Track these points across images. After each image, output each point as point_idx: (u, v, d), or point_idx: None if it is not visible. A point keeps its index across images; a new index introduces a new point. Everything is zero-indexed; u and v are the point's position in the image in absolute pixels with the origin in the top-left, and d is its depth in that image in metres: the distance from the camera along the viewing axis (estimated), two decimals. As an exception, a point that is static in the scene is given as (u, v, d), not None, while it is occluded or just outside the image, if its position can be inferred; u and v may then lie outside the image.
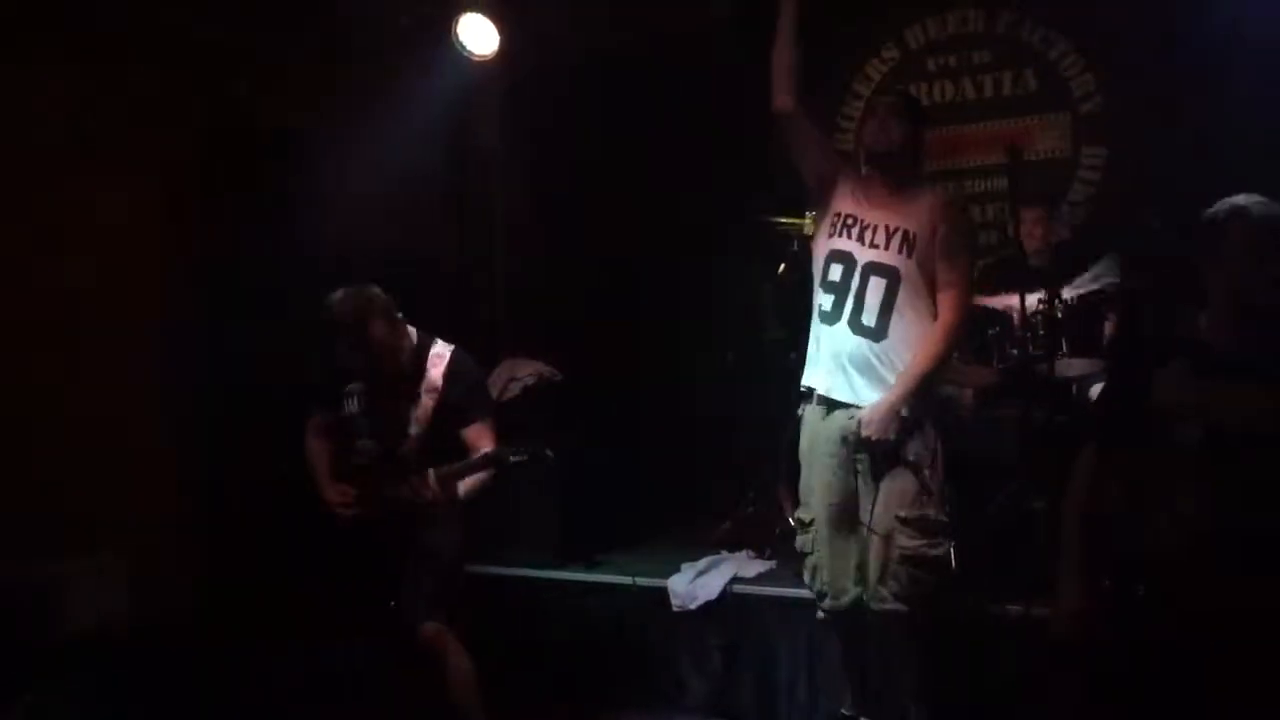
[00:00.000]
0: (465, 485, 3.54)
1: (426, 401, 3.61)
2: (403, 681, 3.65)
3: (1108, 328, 4.25)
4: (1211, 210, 2.60)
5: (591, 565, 4.54)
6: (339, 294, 3.60)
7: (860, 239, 3.42)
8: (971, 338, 4.31)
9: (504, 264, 5.87)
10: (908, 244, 3.35)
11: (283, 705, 3.98)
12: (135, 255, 4.64)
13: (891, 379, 3.33)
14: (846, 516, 3.42)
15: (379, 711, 3.70)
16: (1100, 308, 4.25)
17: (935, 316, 3.38)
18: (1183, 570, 2.50)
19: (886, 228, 3.38)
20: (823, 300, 3.48)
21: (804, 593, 3.89)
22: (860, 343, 3.36)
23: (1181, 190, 2.64)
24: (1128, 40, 5.22)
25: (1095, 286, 4.25)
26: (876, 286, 3.36)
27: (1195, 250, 2.60)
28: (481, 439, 3.60)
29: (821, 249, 3.53)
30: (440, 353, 3.69)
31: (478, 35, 4.96)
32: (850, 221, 3.44)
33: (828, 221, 3.53)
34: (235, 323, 4.76)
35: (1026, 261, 4.43)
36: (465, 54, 4.99)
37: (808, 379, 3.53)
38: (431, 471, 3.45)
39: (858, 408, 3.36)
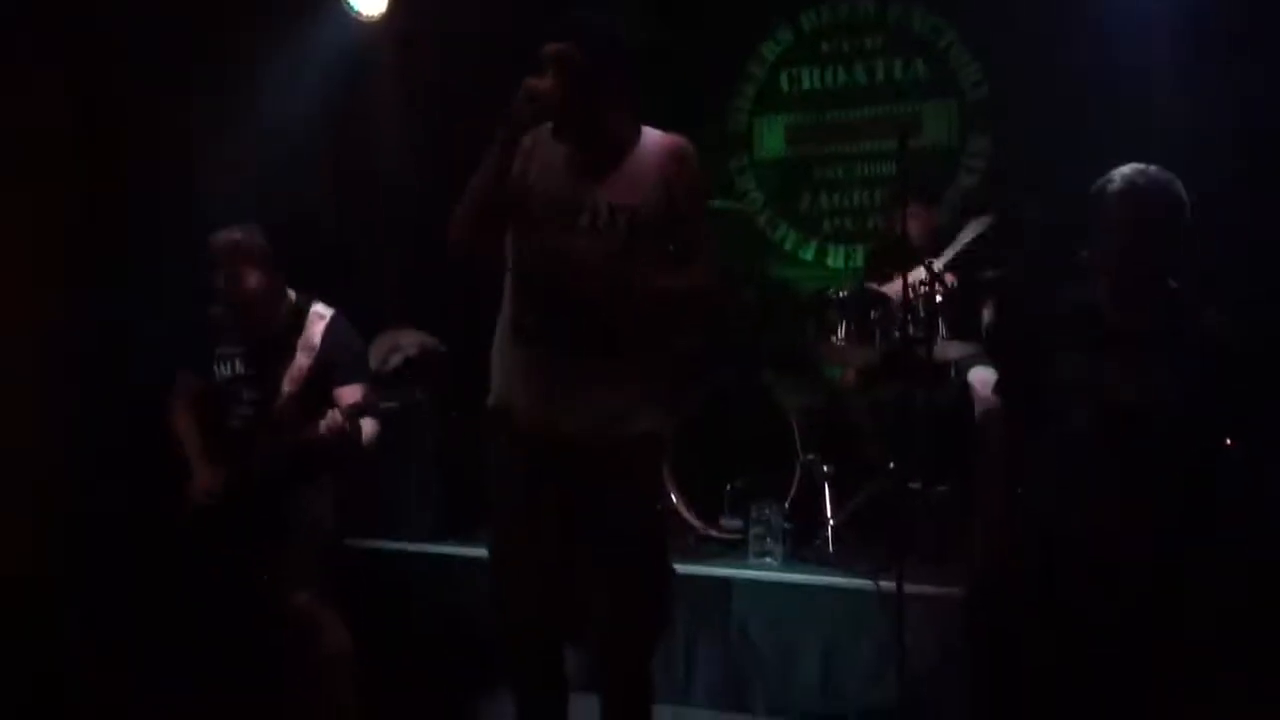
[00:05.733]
0: (366, 430, 3.46)
1: (302, 360, 3.52)
2: (275, 656, 3.55)
3: (985, 313, 4.33)
4: (1099, 181, 2.66)
5: (472, 540, 4.48)
6: (220, 233, 3.50)
7: (570, 224, 2.60)
8: (854, 319, 4.36)
9: (388, 231, 5.74)
10: (634, 221, 2.61)
11: (150, 683, 3.84)
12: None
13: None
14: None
15: (249, 688, 3.59)
16: (977, 293, 4.33)
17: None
18: (1086, 541, 2.60)
19: (611, 206, 2.60)
20: (523, 314, 2.68)
21: (685, 568, 3.92)
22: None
23: (1065, 178, 2.73)
24: (1014, 30, 5.30)
25: (961, 246, 4.32)
26: None
27: (1084, 221, 2.67)
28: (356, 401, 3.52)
29: (518, 248, 2.68)
30: (320, 312, 3.61)
31: (366, -8, 4.84)
32: (554, 204, 2.62)
33: (524, 207, 2.64)
34: (104, 288, 4.58)
35: (909, 246, 4.48)
36: (353, 13, 4.87)
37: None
38: (337, 409, 3.37)
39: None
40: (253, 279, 3.50)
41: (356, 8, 4.85)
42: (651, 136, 2.70)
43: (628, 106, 2.68)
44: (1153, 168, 2.63)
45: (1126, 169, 2.64)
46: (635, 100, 2.69)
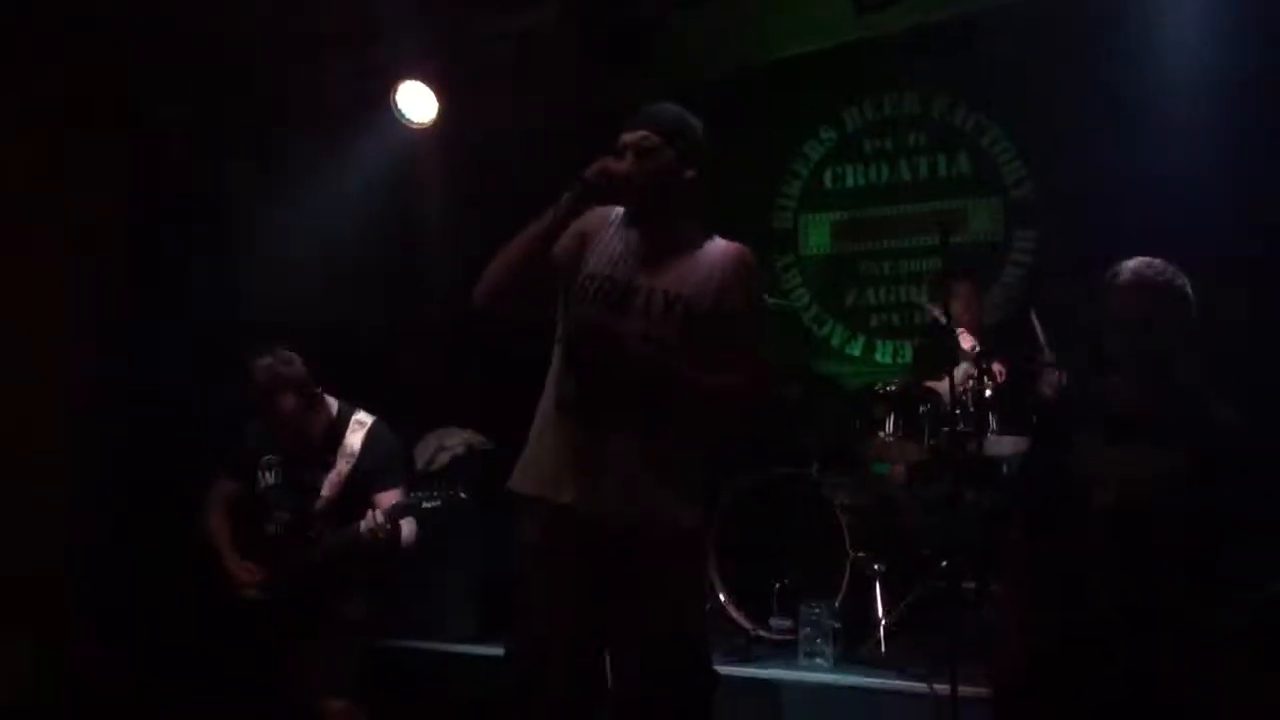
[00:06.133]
0: (406, 531, 3.48)
1: (341, 466, 3.58)
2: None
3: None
4: (1107, 273, 2.71)
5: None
6: (257, 361, 3.59)
7: (623, 307, 2.60)
8: (902, 414, 4.32)
9: (440, 332, 5.81)
10: (688, 313, 2.59)
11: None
12: (59, 318, 4.57)
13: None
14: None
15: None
16: (1029, 384, 4.28)
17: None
18: (1104, 633, 2.58)
19: (666, 294, 2.60)
20: (566, 388, 2.63)
21: (734, 670, 3.86)
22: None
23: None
24: (1058, 126, 5.33)
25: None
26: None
27: (1095, 314, 2.70)
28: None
29: (570, 321, 2.67)
30: (361, 420, 3.67)
31: (417, 103, 4.99)
32: (608, 285, 2.63)
33: (578, 286, 2.66)
34: (159, 388, 4.69)
35: (957, 340, 4.46)
36: (404, 122, 5.01)
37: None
38: (377, 510, 3.41)
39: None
40: (288, 404, 3.58)
41: (407, 116, 4.99)
42: (717, 243, 2.71)
43: (698, 208, 2.72)
44: (1157, 261, 2.67)
45: (1132, 262, 2.69)
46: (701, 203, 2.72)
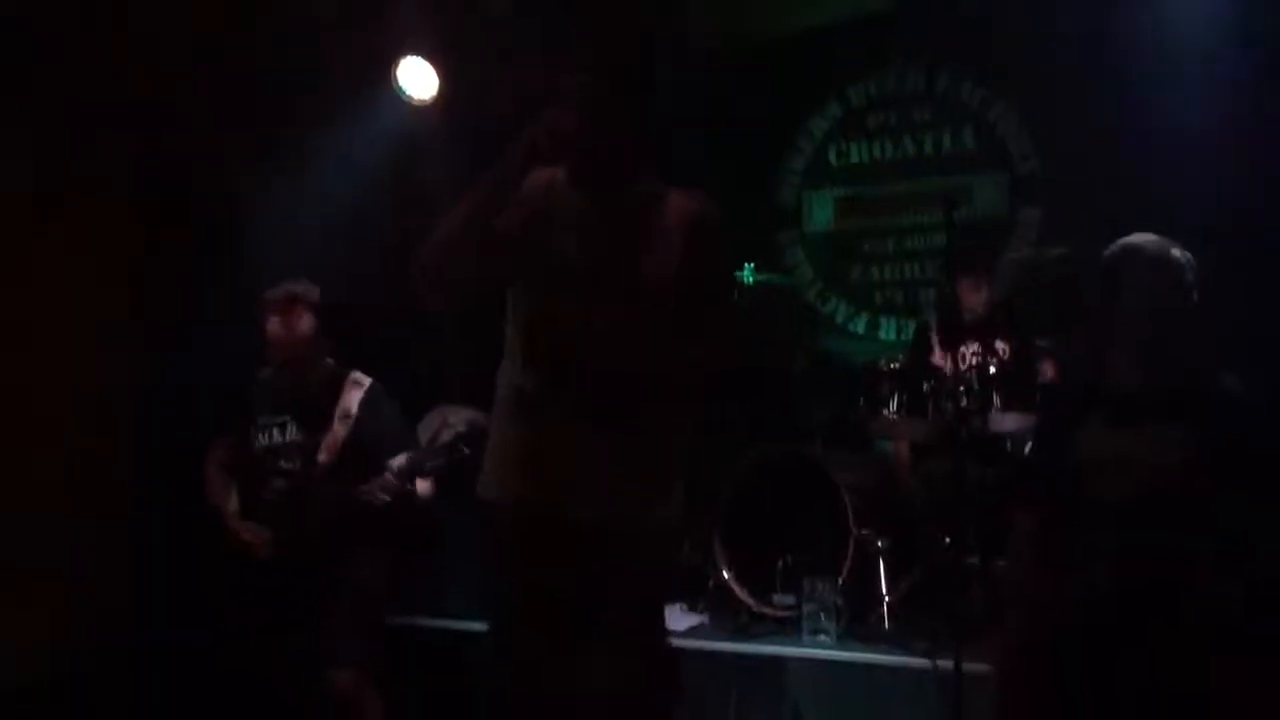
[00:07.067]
0: (421, 489, 3.54)
1: (338, 428, 3.57)
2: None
3: (1045, 371, 4.26)
4: (1107, 251, 2.71)
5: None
6: (279, 284, 3.63)
7: (586, 293, 2.38)
8: (906, 392, 4.30)
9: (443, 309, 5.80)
10: (652, 288, 2.41)
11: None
12: (66, 317, 4.61)
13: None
14: None
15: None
16: (1034, 362, 4.27)
17: None
18: (1121, 617, 2.56)
19: (629, 273, 2.41)
20: (526, 380, 2.45)
21: (737, 647, 3.87)
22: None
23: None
24: (1065, 103, 5.29)
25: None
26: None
27: (1100, 293, 2.69)
28: None
29: (523, 307, 2.48)
30: (358, 380, 3.66)
31: (417, 79, 4.96)
32: (567, 269, 2.41)
33: (535, 268, 2.44)
34: (172, 363, 4.71)
35: (961, 317, 4.43)
36: (405, 98, 4.98)
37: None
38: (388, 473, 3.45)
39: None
40: (305, 324, 3.58)
41: (408, 93, 4.97)
42: (676, 198, 2.48)
43: (650, 159, 2.47)
44: (1162, 238, 2.68)
45: (1137, 239, 2.69)
46: (653, 156, 2.48)
